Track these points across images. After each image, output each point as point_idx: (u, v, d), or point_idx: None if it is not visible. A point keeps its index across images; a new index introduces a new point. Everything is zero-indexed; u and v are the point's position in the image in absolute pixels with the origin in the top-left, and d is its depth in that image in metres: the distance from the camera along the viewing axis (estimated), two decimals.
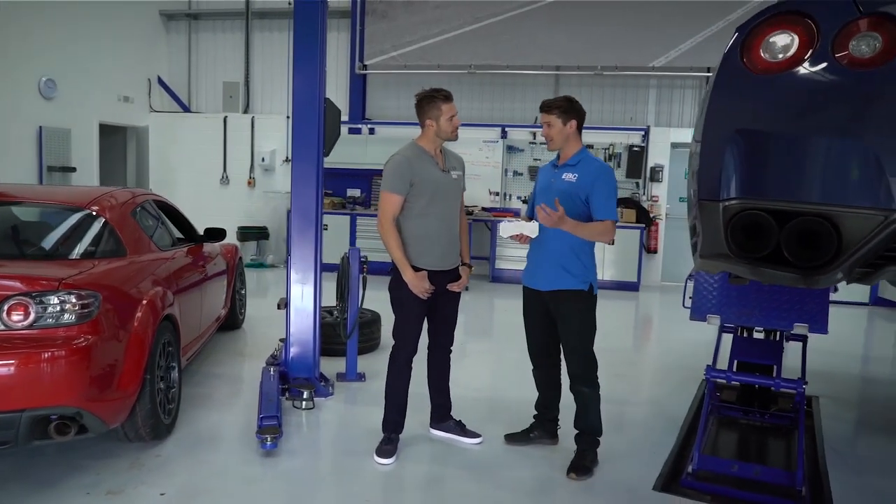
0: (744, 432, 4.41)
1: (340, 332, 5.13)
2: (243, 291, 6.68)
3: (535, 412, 4.01)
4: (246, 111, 11.17)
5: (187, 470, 3.53)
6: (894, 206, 1.97)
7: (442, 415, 4.07)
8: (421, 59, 10.37)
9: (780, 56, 2.11)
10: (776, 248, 2.11)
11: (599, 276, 3.80)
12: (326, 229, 9.81)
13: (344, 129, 9.54)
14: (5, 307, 3.01)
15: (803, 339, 4.36)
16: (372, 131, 10.55)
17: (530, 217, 3.78)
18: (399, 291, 3.71)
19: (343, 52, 10.78)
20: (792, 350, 4.61)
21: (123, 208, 4.13)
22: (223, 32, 11.37)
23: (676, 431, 4.33)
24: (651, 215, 9.82)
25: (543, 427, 3.98)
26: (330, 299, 5.41)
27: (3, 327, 3.00)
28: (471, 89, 10.47)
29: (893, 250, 2.08)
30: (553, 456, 3.83)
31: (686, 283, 3.88)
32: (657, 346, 7.14)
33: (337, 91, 10.47)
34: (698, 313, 3.80)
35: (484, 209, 10.09)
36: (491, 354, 6.26)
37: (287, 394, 4.50)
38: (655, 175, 9.89)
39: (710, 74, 9.34)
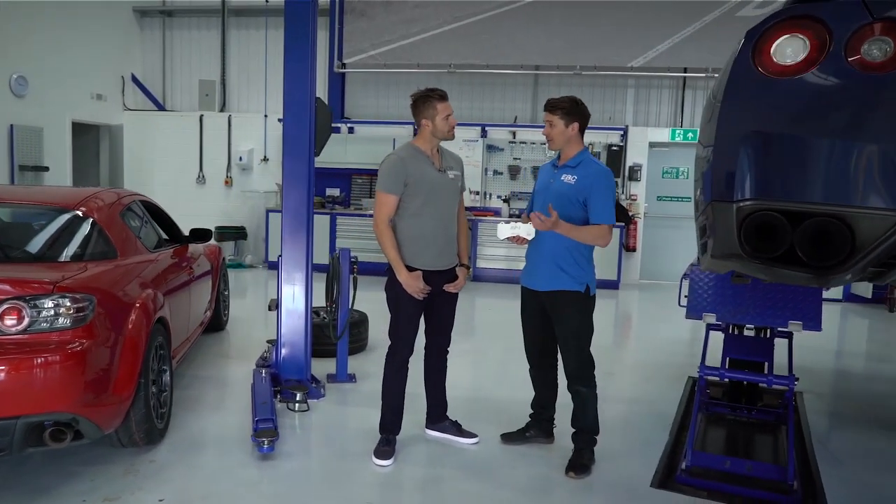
0: (732, 428, 4.49)
1: (330, 332, 5.09)
2: (227, 293, 6.60)
3: (532, 411, 4.03)
4: (222, 110, 11.02)
5: (183, 475, 3.48)
6: None
7: (438, 415, 4.07)
8: (400, 58, 10.35)
9: (793, 59, 2.15)
10: (789, 248, 2.15)
11: None
12: None
13: None
14: None
15: (789, 336, 4.45)
16: (351, 130, 10.49)
17: (529, 216, 3.79)
18: (394, 292, 3.71)
19: (322, 50, 10.65)
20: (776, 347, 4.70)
21: (112, 209, 4.05)
22: (198, 30, 11.20)
23: (667, 428, 4.39)
24: (630, 214, 9.92)
25: (540, 426, 4.00)
26: (318, 300, 5.37)
27: None
28: (450, 88, 10.40)
29: None
30: (550, 455, 3.86)
31: (681, 282, 3.93)
32: (640, 344, 7.22)
33: (316, 90, 10.37)
34: (694, 312, 3.85)
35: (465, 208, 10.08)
36: (475, 354, 6.27)
37: (279, 396, 4.46)
38: (634, 174, 10.00)
39: (687, 75, 9.31)
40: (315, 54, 4.53)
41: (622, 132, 9.98)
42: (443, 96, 3.66)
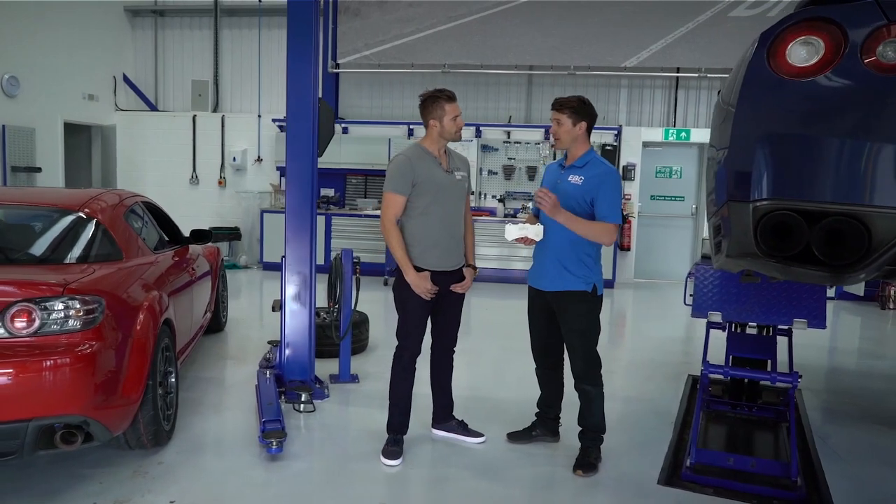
0: (734, 425, 4.53)
1: (332, 333, 5.09)
2: (225, 294, 6.58)
3: (537, 410, 4.05)
4: (215, 110, 10.97)
5: (192, 477, 3.47)
6: None
7: (444, 415, 4.08)
8: (394, 58, 10.34)
9: (807, 61, 2.19)
10: (805, 248, 2.18)
11: None
12: None
13: None
14: (8, 314, 2.91)
15: (789, 333, 4.50)
16: (345, 131, 10.47)
17: (536, 214, 3.81)
18: (402, 292, 3.71)
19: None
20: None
21: (116, 210, 4.04)
22: (190, 29, 11.14)
23: (669, 426, 4.43)
24: (624, 213, 9.96)
25: (545, 425, 4.02)
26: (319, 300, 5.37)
27: (6, 335, 2.91)
28: None
29: None
30: (556, 453, 3.88)
31: (686, 280, 3.97)
32: (637, 343, 7.26)
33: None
34: (699, 310, 3.89)
35: None
36: (473, 353, 6.27)
37: (283, 397, 4.45)
38: (628, 174, 10.05)
39: (680, 75, 9.28)
40: (318, 54, 4.53)
41: (616, 132, 10.03)
42: (451, 97, 3.67)
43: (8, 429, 2.84)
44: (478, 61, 10.22)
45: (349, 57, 10.51)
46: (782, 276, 2.37)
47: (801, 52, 2.21)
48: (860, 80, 2.15)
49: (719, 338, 4.48)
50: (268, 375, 4.53)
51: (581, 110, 3.54)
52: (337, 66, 10.62)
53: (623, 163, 10.07)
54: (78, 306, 3.03)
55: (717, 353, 4.38)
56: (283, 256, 4.61)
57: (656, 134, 10.12)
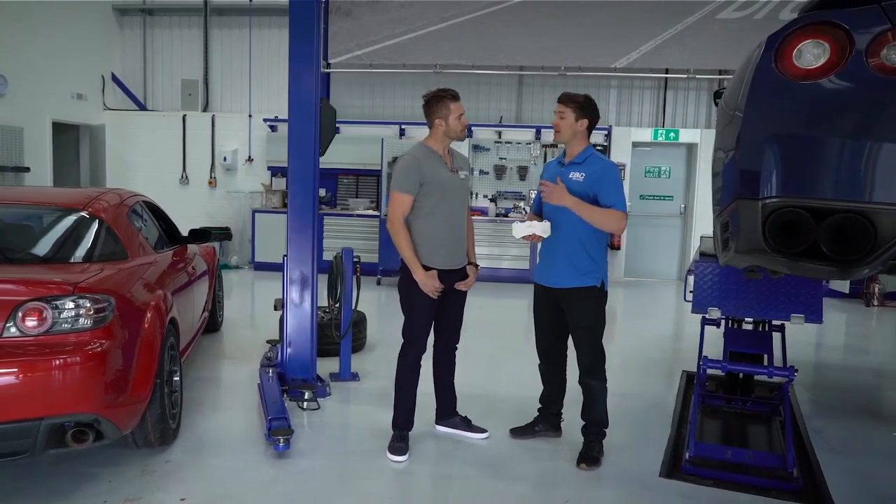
0: (729, 419, 4.62)
1: (333, 332, 5.12)
2: (221, 293, 6.58)
3: (540, 405, 4.10)
4: (205, 109, 10.93)
5: (201, 474, 3.49)
6: None
7: (448, 411, 4.13)
8: (386, 58, 10.36)
9: (813, 64, 2.26)
10: (812, 244, 2.26)
11: None
12: None
13: None
14: (20, 313, 2.92)
15: (782, 329, 4.59)
16: (337, 130, 10.44)
17: (537, 213, 3.87)
18: (409, 291, 3.75)
19: None
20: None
21: (119, 210, 4.04)
22: (180, 28, 11.09)
23: (667, 420, 4.51)
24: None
25: (548, 420, 4.07)
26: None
27: (18, 334, 2.91)
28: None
29: None
30: (559, 448, 3.94)
31: (686, 277, 4.04)
32: (630, 341, 7.34)
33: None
34: (700, 306, 3.97)
35: None
36: (469, 351, 6.27)
37: (286, 395, 4.47)
38: None
39: (668, 76, 9.38)
40: (320, 54, 4.56)
41: (606, 132, 10.13)
42: (455, 96, 3.72)
43: (20, 427, 2.84)
44: (469, 62, 10.27)
45: (340, 57, 10.52)
46: (790, 272, 2.44)
47: (808, 55, 2.28)
48: (865, 83, 2.22)
49: (712, 334, 4.57)
50: (270, 374, 4.55)
51: (586, 107, 3.61)
52: (328, 65, 10.62)
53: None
54: (88, 305, 3.04)
55: (709, 350, 4.46)
56: (285, 255, 4.63)
57: (645, 134, 10.23)
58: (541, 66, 10.22)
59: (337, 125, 10.44)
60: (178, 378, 3.96)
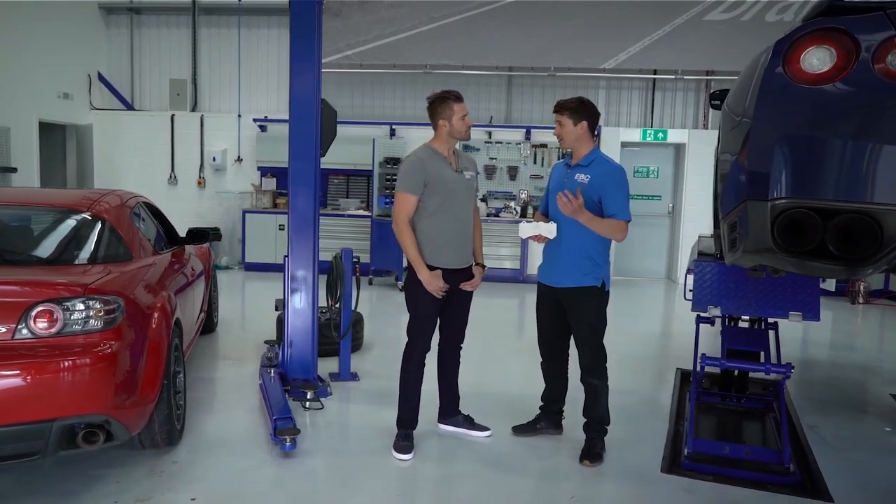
0: (724, 416, 4.71)
1: (332, 332, 5.14)
2: (216, 294, 6.57)
3: (542, 403, 4.15)
4: (194, 109, 10.86)
5: (209, 474, 3.50)
6: None
7: (451, 410, 4.16)
8: (376, 58, 10.37)
9: (820, 69, 2.33)
10: (819, 243, 2.33)
11: None
12: (283, 229, 9.71)
13: None
14: (31, 314, 2.92)
15: (775, 327, 4.68)
16: None
17: (543, 213, 3.92)
18: (414, 290, 3.78)
19: None
20: None
21: (122, 211, 4.04)
22: (168, 28, 11.01)
23: (664, 417, 4.59)
24: None
25: (549, 418, 4.13)
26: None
27: (29, 335, 2.91)
28: (426, 89, 10.44)
29: None
30: (561, 445, 4.00)
31: (686, 276, 4.12)
32: (622, 339, 7.36)
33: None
34: (699, 305, 4.04)
35: None
36: (469, 350, 6.31)
37: (289, 395, 4.48)
38: None
39: (657, 77, 9.46)
40: (321, 54, 4.57)
41: (596, 133, 10.19)
42: (458, 97, 3.76)
43: (33, 429, 2.85)
44: (459, 62, 10.31)
45: (330, 57, 10.48)
46: (797, 271, 2.51)
47: (815, 61, 2.35)
48: (870, 87, 2.30)
49: (704, 332, 4.64)
50: (272, 374, 4.56)
51: (580, 109, 3.67)
52: None
53: None
54: (98, 306, 3.05)
55: (701, 347, 4.52)
56: (286, 256, 4.64)
57: (634, 134, 10.33)
58: (530, 66, 10.29)
59: None
60: (182, 379, 3.96)
